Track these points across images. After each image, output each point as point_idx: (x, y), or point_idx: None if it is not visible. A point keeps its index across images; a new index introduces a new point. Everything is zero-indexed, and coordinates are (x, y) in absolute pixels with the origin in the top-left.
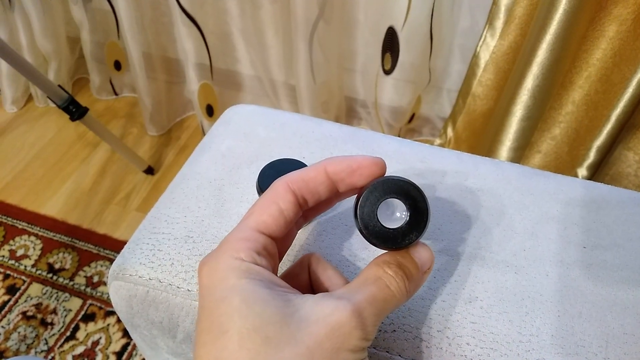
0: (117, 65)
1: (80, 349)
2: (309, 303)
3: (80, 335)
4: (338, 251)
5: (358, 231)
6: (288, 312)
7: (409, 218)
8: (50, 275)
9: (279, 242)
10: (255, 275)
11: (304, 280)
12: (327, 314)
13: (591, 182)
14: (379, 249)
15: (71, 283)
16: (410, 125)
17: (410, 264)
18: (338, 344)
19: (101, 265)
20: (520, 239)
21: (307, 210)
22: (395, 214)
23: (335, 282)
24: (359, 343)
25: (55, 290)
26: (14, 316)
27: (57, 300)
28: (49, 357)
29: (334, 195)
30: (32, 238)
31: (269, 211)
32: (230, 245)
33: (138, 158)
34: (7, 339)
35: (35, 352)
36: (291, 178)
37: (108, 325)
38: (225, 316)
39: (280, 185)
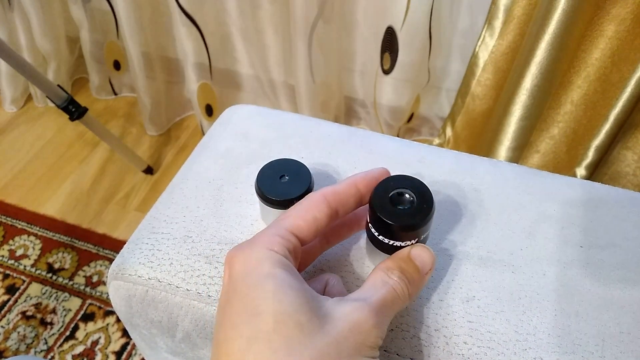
0: (117, 65)
1: (79, 349)
2: (330, 302)
3: (80, 334)
4: (340, 255)
5: (369, 227)
6: (315, 306)
7: (417, 202)
8: (49, 275)
9: (305, 252)
10: (286, 267)
11: (319, 292)
12: (348, 312)
13: (588, 181)
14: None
15: (70, 283)
16: (409, 124)
17: (412, 268)
18: (360, 339)
19: (100, 265)
20: (518, 238)
21: (331, 233)
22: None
23: None
24: (376, 341)
25: (54, 290)
26: (13, 316)
27: (57, 299)
28: (49, 356)
29: (358, 213)
30: (32, 238)
31: (305, 217)
32: (265, 239)
33: (137, 158)
34: (6, 338)
35: (35, 352)
36: (326, 191)
37: (107, 324)
38: (260, 299)
39: (317, 197)
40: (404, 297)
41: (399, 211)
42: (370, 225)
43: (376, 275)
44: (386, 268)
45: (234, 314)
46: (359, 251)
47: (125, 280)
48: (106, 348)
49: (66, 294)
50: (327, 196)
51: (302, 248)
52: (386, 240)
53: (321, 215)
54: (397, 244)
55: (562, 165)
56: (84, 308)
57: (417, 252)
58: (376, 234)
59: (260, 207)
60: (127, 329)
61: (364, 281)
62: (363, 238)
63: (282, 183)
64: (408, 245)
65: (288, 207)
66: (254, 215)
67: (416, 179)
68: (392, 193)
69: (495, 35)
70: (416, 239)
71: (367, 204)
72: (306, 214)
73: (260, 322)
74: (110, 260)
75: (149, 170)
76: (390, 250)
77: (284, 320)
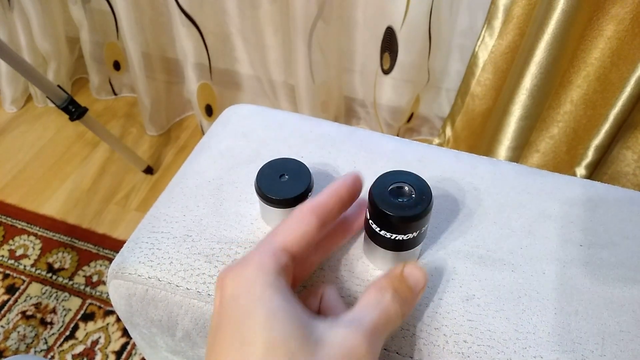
0: (116, 65)
1: (79, 348)
2: (322, 326)
3: (80, 334)
4: (339, 254)
5: (370, 223)
6: (307, 331)
7: (416, 193)
8: (49, 274)
9: (298, 267)
10: (278, 288)
11: (314, 307)
12: (341, 339)
13: (588, 180)
14: (373, 266)
15: (70, 282)
16: (409, 124)
17: (405, 287)
18: None
19: (100, 265)
20: (518, 237)
21: (324, 243)
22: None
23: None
24: None
25: (54, 290)
26: (13, 316)
27: (57, 299)
28: (49, 356)
29: (349, 218)
30: (32, 238)
31: (295, 233)
32: (256, 259)
33: (137, 158)
34: (6, 338)
35: (35, 352)
36: (313, 203)
37: (107, 324)
38: (250, 326)
39: (305, 210)
40: (397, 317)
41: (399, 203)
42: (370, 221)
43: (370, 294)
44: (380, 287)
45: (224, 340)
46: (358, 250)
47: (125, 279)
48: (106, 348)
49: (66, 294)
50: (315, 209)
51: (297, 261)
52: (388, 235)
53: (310, 228)
54: (399, 237)
55: (562, 164)
56: (84, 308)
57: (409, 271)
58: (377, 229)
59: (260, 207)
60: (127, 328)
61: (362, 280)
62: (361, 237)
63: (282, 182)
64: (409, 238)
65: (288, 207)
66: (254, 215)
67: (412, 172)
68: (391, 187)
69: (495, 35)
70: (417, 231)
71: (351, 208)
72: (296, 228)
73: (250, 351)
74: (110, 260)
75: (149, 170)
76: (391, 245)
77: (274, 349)
